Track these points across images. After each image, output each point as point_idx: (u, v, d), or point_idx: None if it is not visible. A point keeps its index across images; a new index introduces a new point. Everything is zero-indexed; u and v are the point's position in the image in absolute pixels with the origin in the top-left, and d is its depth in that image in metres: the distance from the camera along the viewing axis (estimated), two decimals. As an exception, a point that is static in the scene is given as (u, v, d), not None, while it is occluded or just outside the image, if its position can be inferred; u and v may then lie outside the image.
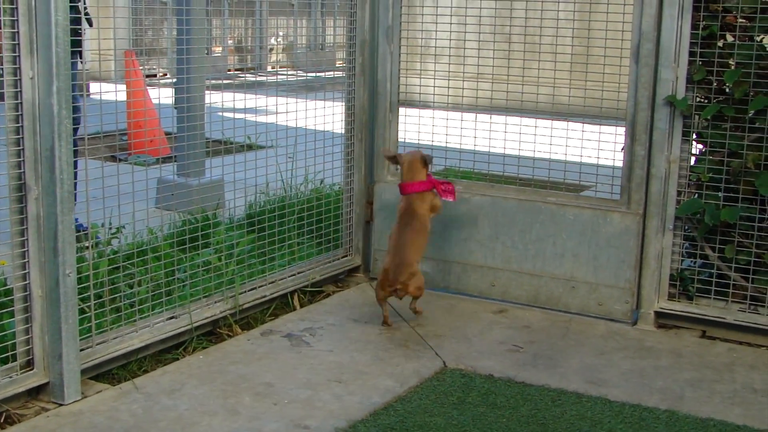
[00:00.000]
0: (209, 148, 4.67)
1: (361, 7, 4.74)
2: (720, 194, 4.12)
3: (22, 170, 3.12)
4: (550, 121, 4.51)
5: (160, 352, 3.76)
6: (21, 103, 3.08)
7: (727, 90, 4.10)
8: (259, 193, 5.10)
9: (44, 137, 3.12)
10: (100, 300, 3.58)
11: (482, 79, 4.67)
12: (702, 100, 4.16)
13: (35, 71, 3.08)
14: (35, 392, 3.28)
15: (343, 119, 4.84)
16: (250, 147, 5.02)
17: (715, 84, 4.10)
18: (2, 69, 3.05)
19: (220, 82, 5.51)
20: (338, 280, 4.88)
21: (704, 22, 4.05)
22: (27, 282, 3.19)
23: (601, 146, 4.43)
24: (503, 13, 4.61)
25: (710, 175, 4.12)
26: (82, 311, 3.40)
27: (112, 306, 3.62)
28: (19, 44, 3.04)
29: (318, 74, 7.24)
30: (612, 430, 3.20)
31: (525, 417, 3.29)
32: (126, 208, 3.71)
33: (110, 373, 3.54)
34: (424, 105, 4.88)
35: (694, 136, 4.20)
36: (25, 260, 3.18)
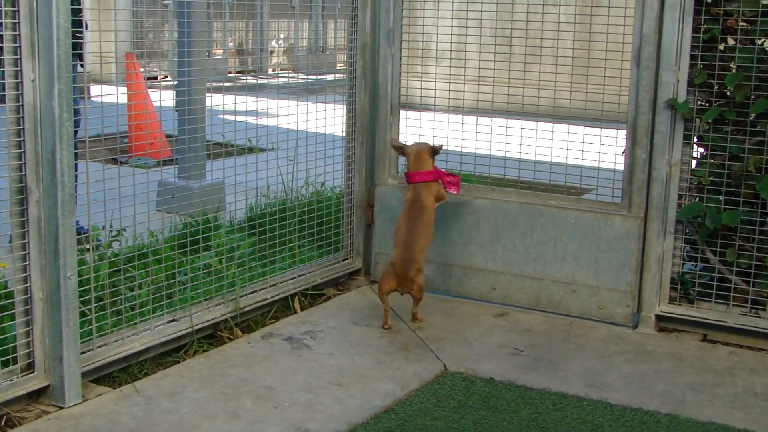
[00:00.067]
0: (210, 151, 4.65)
1: (362, 9, 4.74)
2: (721, 197, 4.12)
3: (23, 173, 3.11)
4: (551, 124, 4.50)
5: (161, 355, 3.75)
6: (22, 105, 3.08)
7: (728, 93, 4.10)
8: (260, 195, 5.10)
9: (45, 140, 3.12)
10: (100, 303, 3.57)
11: (483, 82, 4.67)
12: (703, 103, 4.16)
13: (36, 74, 3.08)
14: (36, 395, 3.28)
15: (344, 122, 4.84)
16: (250, 150, 5.02)
17: (716, 87, 4.10)
18: (3, 71, 3.05)
19: (221, 84, 5.51)
20: (339, 283, 4.87)
21: (705, 26, 4.05)
22: (28, 285, 3.19)
23: (602, 149, 4.43)
24: (504, 16, 4.61)
25: (711, 178, 4.12)
26: (82, 314, 3.40)
27: (113, 309, 3.62)
28: (20, 46, 3.04)
29: (319, 77, 7.24)
30: (613, 434, 3.20)
31: (526, 420, 3.28)
32: (127, 211, 3.70)
33: (111, 376, 3.54)
34: (425, 108, 4.88)
35: (695, 140, 4.20)
36: (26, 263, 3.17)
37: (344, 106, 4.83)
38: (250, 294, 4.24)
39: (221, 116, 4.81)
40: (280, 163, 4.72)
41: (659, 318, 4.28)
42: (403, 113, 4.84)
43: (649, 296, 4.28)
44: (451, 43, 4.69)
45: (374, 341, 4.04)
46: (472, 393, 3.51)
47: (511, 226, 4.53)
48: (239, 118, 4.78)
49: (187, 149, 5.20)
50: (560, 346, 4.04)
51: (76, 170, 3.82)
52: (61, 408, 3.24)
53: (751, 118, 4.04)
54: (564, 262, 4.43)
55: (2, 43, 3.01)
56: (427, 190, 4.27)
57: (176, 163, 6.12)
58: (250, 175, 4.39)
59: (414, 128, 4.78)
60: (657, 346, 4.08)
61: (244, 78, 9.86)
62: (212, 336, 4.02)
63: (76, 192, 3.51)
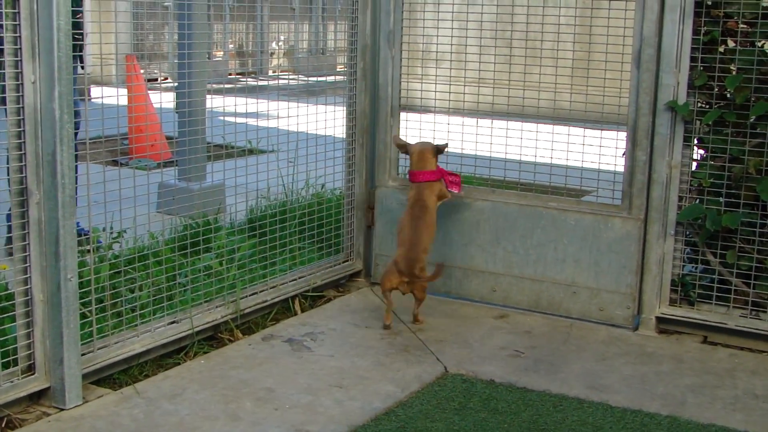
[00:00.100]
0: (210, 153, 4.67)
1: (362, 11, 4.75)
2: (721, 200, 4.12)
3: (23, 174, 3.11)
4: (551, 125, 4.51)
5: (162, 356, 3.75)
6: (23, 107, 3.08)
7: (729, 95, 4.10)
8: (260, 197, 5.10)
9: (46, 142, 3.12)
10: (101, 304, 3.58)
11: (483, 83, 4.67)
12: (703, 105, 4.16)
13: (37, 75, 3.08)
14: (36, 397, 3.28)
15: (345, 124, 4.85)
16: (251, 151, 5.02)
17: (716, 89, 4.10)
18: (4, 73, 3.05)
19: (221, 86, 5.51)
20: (339, 285, 4.87)
21: (705, 28, 4.05)
22: (28, 286, 3.19)
23: (603, 151, 4.43)
24: (504, 18, 4.61)
25: (711, 180, 4.12)
26: (83, 316, 3.40)
27: (114, 310, 3.62)
28: (21, 48, 3.04)
29: (319, 79, 7.24)
30: (613, 436, 3.20)
31: (526, 422, 3.28)
32: (127, 213, 3.70)
33: (111, 377, 3.54)
34: (425, 110, 4.88)
35: (696, 142, 4.21)
36: (27, 265, 3.17)
37: (344, 108, 4.84)
38: (250, 296, 4.24)
39: (221, 118, 4.81)
40: (280, 165, 4.72)
41: (660, 320, 4.28)
42: (403, 115, 4.84)
43: (649, 298, 4.28)
44: (452, 44, 4.69)
45: (375, 343, 4.04)
46: (472, 395, 3.51)
47: (511, 228, 4.53)
48: (239, 120, 4.78)
49: (187, 151, 5.21)
50: (561, 348, 4.04)
51: (76, 172, 3.82)
52: (62, 410, 3.24)
53: (752, 120, 4.04)
54: (564, 264, 4.43)
55: (3, 45, 3.01)
56: (430, 190, 4.29)
57: (177, 165, 6.13)
58: (251, 176, 4.39)
59: (414, 130, 4.78)
60: (657, 348, 4.08)
61: (245, 80, 9.86)
62: (213, 338, 4.02)
63: (76, 194, 3.51)
